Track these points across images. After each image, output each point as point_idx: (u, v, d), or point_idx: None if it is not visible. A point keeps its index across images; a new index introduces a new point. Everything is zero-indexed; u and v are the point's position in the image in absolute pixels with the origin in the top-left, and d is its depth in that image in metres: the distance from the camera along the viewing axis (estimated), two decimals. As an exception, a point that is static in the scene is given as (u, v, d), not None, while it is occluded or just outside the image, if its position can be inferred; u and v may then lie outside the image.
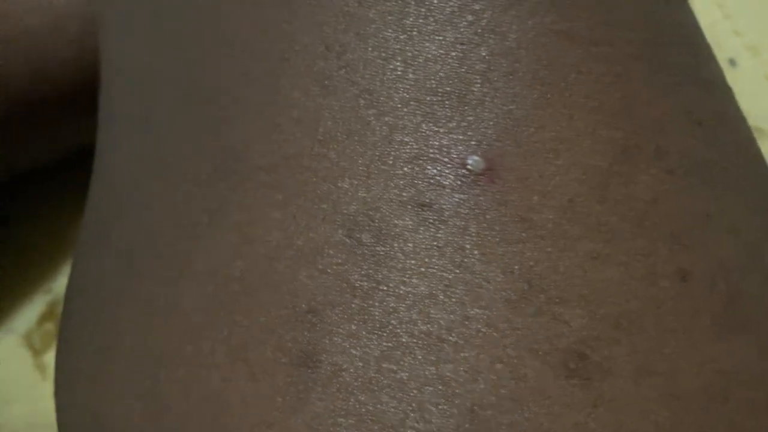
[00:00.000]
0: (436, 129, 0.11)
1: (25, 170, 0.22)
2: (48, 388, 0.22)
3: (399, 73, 0.11)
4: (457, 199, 0.11)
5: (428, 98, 0.11)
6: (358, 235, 0.11)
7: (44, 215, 0.23)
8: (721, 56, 0.20)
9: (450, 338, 0.10)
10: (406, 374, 0.10)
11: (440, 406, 0.10)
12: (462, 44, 0.11)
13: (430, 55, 0.11)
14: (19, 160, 0.21)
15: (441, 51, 0.11)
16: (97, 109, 0.16)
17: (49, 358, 0.22)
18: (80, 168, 0.19)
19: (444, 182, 0.11)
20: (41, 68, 0.18)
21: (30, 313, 0.23)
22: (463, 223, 0.11)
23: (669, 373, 0.10)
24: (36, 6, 0.18)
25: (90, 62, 0.17)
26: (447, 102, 0.11)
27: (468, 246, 0.11)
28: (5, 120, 0.19)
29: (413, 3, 0.12)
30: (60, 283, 0.23)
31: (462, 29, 0.11)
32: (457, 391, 0.10)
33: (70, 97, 0.19)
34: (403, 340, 0.10)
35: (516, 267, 0.11)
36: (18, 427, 0.22)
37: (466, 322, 0.10)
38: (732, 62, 0.24)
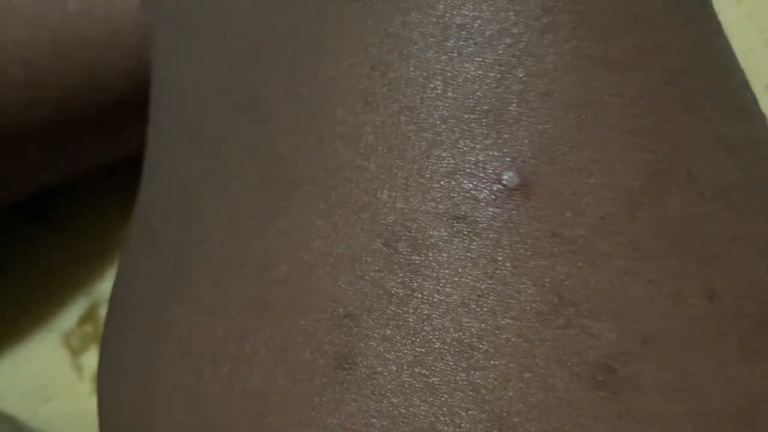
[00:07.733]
0: (473, 145, 0.12)
1: (74, 177, 0.23)
2: (84, 388, 0.23)
3: (439, 91, 0.12)
4: (491, 213, 0.11)
5: (466, 116, 0.12)
6: (395, 245, 0.11)
7: (88, 219, 0.24)
8: (760, 82, 0.20)
9: (481, 346, 0.11)
10: (438, 379, 0.11)
11: (470, 411, 0.10)
12: (500, 66, 0.12)
13: (469, 76, 0.12)
14: (71, 167, 0.22)
15: (480, 72, 0.12)
16: (148, 118, 0.16)
17: (87, 359, 0.23)
18: (125, 173, 0.20)
19: (479, 196, 0.11)
20: (98, 79, 0.19)
21: (71, 314, 0.23)
22: (496, 236, 0.11)
23: (696, 392, 0.10)
24: (94, 19, 0.19)
25: (144, 74, 0.18)
26: (484, 120, 0.12)
27: (500, 258, 0.11)
28: (61, 128, 0.20)
29: (455, 26, 0.12)
30: (101, 286, 0.23)
31: (500, 51, 0.12)
32: (486, 397, 0.10)
33: (125, 107, 0.20)
34: (436, 346, 0.11)
35: (547, 280, 0.11)
36: (54, 424, 0.22)
37: (497, 331, 0.11)
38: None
